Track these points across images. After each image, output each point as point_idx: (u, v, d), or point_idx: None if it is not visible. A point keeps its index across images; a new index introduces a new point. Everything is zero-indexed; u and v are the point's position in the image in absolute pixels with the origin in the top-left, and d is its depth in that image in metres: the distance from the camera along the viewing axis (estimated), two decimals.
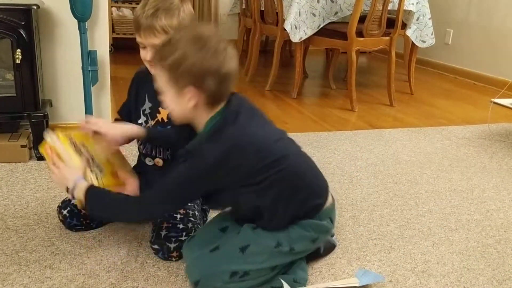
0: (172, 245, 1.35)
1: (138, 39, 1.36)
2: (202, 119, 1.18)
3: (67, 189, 1.26)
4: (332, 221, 1.31)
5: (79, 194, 1.22)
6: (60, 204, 1.50)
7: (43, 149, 1.33)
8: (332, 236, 1.49)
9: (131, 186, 1.35)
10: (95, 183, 1.29)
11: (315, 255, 1.39)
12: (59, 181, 1.28)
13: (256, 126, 1.20)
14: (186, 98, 1.13)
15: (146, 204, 1.21)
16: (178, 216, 1.41)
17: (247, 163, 1.14)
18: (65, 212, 1.47)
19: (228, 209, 1.38)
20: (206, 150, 1.13)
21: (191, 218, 1.42)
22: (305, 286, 1.28)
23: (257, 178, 1.17)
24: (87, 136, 1.36)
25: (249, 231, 1.25)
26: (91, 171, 1.31)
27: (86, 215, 1.47)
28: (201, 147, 1.14)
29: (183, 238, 1.36)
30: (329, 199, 1.30)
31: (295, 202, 1.22)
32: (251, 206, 1.22)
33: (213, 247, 1.24)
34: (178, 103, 1.16)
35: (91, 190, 1.23)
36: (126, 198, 1.24)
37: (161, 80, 1.15)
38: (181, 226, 1.38)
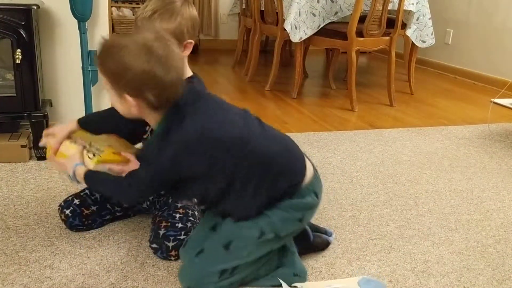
0: (171, 244, 1.35)
1: None
2: (152, 119, 1.18)
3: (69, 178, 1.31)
4: (317, 195, 1.26)
5: (80, 179, 1.28)
6: (62, 204, 1.49)
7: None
8: (330, 235, 1.49)
9: (135, 164, 1.33)
10: (94, 161, 1.31)
11: (308, 247, 1.41)
12: (61, 172, 1.33)
13: (211, 116, 1.15)
14: (128, 103, 1.12)
15: (129, 188, 1.21)
16: (177, 215, 1.41)
17: (204, 156, 1.12)
18: (67, 212, 1.47)
19: (194, 201, 1.34)
20: (159, 152, 1.12)
21: (191, 218, 1.42)
22: (305, 278, 1.28)
23: (220, 166, 1.14)
24: (83, 132, 1.41)
25: (229, 225, 1.23)
26: (88, 151, 1.34)
27: (87, 215, 1.48)
28: (154, 150, 1.14)
29: (181, 237, 1.36)
30: (309, 173, 1.24)
31: (266, 185, 1.18)
32: (219, 194, 1.19)
33: (198, 251, 1.23)
34: (120, 105, 1.16)
35: (88, 175, 1.27)
36: (116, 181, 1.25)
37: (103, 79, 1.14)
38: (180, 225, 1.38)
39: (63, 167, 1.34)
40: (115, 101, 1.16)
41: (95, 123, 1.44)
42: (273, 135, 1.24)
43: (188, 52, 1.39)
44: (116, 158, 1.32)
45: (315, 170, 1.28)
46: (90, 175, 1.27)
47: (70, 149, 1.35)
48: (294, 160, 1.24)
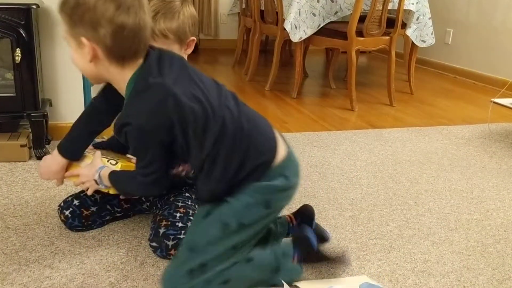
0: (170, 243, 1.34)
1: None
2: (118, 81, 1.14)
3: (96, 182, 1.31)
4: (287, 177, 1.18)
5: (106, 182, 1.28)
6: (62, 204, 1.49)
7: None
8: (326, 240, 1.46)
9: None
10: (119, 166, 1.32)
11: (308, 251, 1.34)
12: (89, 181, 1.32)
13: (180, 82, 1.11)
14: (85, 50, 1.08)
15: (141, 178, 1.19)
16: (178, 214, 1.41)
17: (172, 122, 1.08)
18: (67, 212, 1.47)
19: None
20: (133, 117, 1.09)
21: (191, 217, 1.42)
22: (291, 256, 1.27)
23: (192, 134, 1.11)
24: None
25: (192, 226, 1.22)
26: (107, 159, 1.35)
27: (87, 216, 1.48)
28: (128, 115, 1.10)
29: (181, 236, 1.35)
30: (280, 155, 1.18)
31: (234, 161, 1.13)
32: (197, 162, 1.16)
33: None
34: (80, 57, 1.11)
35: (112, 174, 1.27)
36: (130, 175, 1.24)
37: (64, 30, 1.10)
38: (180, 224, 1.38)
39: (84, 177, 1.33)
40: (74, 52, 1.12)
41: (80, 149, 1.40)
42: (245, 112, 1.19)
43: (190, 50, 1.45)
44: (132, 164, 1.34)
45: (289, 153, 1.22)
46: (114, 176, 1.27)
47: (85, 160, 1.37)
48: (264, 139, 1.18)
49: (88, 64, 1.10)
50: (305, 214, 1.48)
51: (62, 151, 1.37)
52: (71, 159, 1.38)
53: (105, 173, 1.29)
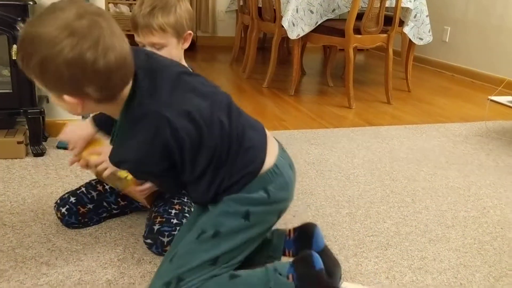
0: (166, 239, 1.34)
1: (137, 39, 1.36)
2: (112, 111, 1.05)
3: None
4: (267, 191, 1.11)
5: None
6: (58, 201, 1.49)
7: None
8: (332, 275, 1.24)
9: None
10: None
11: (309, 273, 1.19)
12: (108, 161, 1.23)
13: (173, 97, 1.03)
14: (71, 104, 0.95)
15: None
16: (173, 211, 1.41)
17: (171, 148, 1.02)
18: (63, 210, 1.46)
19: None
20: (130, 152, 1.04)
21: (186, 214, 1.42)
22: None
23: (187, 155, 1.05)
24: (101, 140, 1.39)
25: (180, 233, 1.20)
26: None
27: (84, 213, 1.47)
28: (124, 151, 1.05)
29: (176, 233, 1.35)
30: (266, 165, 1.12)
31: (221, 173, 1.09)
32: (190, 177, 1.11)
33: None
34: (65, 105, 0.97)
35: None
36: None
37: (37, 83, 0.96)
38: (175, 221, 1.38)
39: (106, 155, 1.21)
40: (58, 103, 0.99)
41: (108, 124, 1.33)
42: (236, 125, 1.12)
43: (187, 44, 1.46)
44: None
45: (278, 165, 1.14)
46: None
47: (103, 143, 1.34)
48: (253, 153, 1.12)
49: (76, 111, 0.99)
50: (304, 232, 1.30)
51: (94, 119, 1.35)
52: (100, 128, 1.34)
53: None
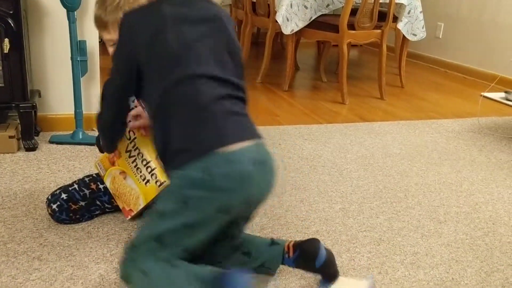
0: None
1: (107, 37, 1.33)
2: None
3: None
4: (211, 175, 0.98)
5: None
6: (49, 197, 1.48)
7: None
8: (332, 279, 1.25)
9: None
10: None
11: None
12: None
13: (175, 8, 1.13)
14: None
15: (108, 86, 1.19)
16: None
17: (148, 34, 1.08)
18: (54, 206, 1.45)
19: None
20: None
21: None
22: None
23: (153, 68, 1.07)
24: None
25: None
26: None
27: (75, 210, 1.46)
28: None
29: None
30: (222, 147, 1.00)
31: (172, 127, 1.04)
32: (148, 104, 1.13)
33: None
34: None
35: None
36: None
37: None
38: None
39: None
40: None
41: None
42: (218, 93, 1.05)
43: None
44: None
45: (234, 153, 1.01)
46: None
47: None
48: (214, 129, 1.02)
49: None
50: (305, 251, 1.22)
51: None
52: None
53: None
